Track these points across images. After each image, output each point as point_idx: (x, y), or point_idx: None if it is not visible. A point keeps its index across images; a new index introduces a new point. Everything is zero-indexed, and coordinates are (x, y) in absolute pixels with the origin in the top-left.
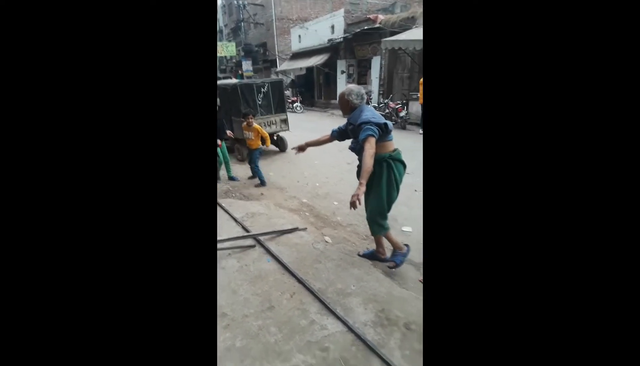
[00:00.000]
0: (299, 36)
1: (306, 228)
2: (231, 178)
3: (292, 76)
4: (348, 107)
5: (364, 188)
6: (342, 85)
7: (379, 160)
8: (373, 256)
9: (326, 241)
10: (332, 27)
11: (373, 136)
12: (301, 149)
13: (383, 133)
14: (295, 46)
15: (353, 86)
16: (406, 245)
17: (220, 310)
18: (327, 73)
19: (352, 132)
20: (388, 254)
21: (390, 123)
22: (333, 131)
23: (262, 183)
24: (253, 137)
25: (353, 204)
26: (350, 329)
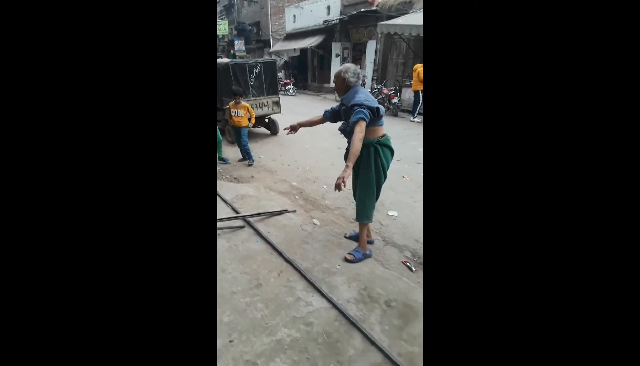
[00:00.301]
0: (294, 16)
1: (295, 211)
2: (222, 160)
3: (285, 58)
4: (344, 86)
5: (349, 171)
6: (337, 68)
7: (366, 145)
8: (358, 238)
9: (314, 223)
10: (328, 7)
11: (364, 119)
12: (293, 129)
13: (374, 117)
14: (290, 26)
15: (350, 65)
16: (370, 250)
17: None
18: (322, 56)
19: (343, 114)
20: (373, 236)
21: (382, 108)
22: (326, 112)
23: (251, 161)
24: (242, 115)
25: (338, 187)
26: (334, 305)
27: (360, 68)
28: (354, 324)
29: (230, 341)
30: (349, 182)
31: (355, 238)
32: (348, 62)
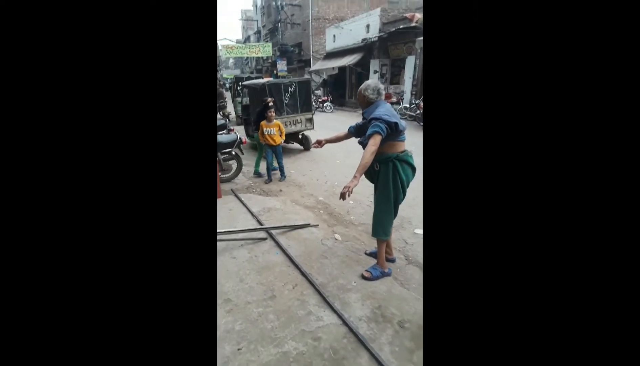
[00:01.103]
0: (334, 36)
1: (317, 225)
2: (257, 174)
3: (324, 76)
4: (365, 102)
5: (356, 182)
6: None
7: (385, 160)
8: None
9: (335, 238)
10: (368, 26)
11: (380, 133)
12: (319, 143)
13: (392, 132)
14: (330, 46)
15: (370, 81)
16: (389, 268)
17: (225, 296)
18: (360, 73)
19: (363, 127)
20: (395, 254)
21: (403, 123)
22: (350, 127)
23: (269, 179)
24: (275, 133)
25: (342, 195)
26: (345, 322)
27: (398, 83)
28: (362, 343)
29: (238, 349)
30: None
31: (375, 254)
32: (386, 78)
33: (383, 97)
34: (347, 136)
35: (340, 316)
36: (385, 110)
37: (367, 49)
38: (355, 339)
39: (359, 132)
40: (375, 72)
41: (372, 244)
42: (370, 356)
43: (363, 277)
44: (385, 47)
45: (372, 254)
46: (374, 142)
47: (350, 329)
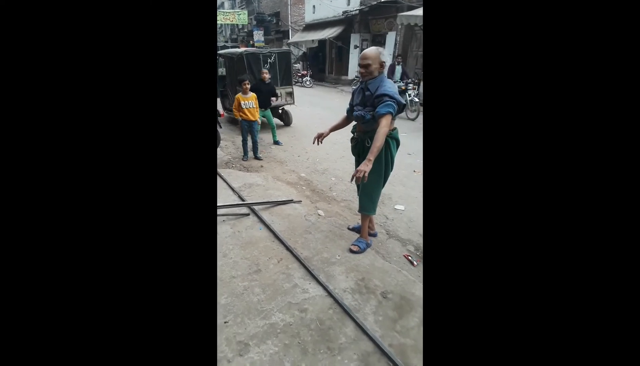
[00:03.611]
0: (314, 7)
1: (300, 201)
2: (276, 142)
3: (303, 49)
4: (369, 71)
5: (371, 164)
6: (355, 61)
7: None
8: (360, 230)
9: (319, 214)
10: None
11: (392, 113)
12: (320, 137)
13: (398, 112)
14: (309, 17)
15: (376, 49)
16: (370, 240)
17: None
18: (340, 47)
19: (364, 99)
20: (377, 229)
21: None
22: (347, 111)
23: (246, 157)
24: (254, 106)
25: (357, 179)
26: (330, 294)
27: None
28: (347, 313)
29: (225, 322)
30: (328, 179)
31: (358, 230)
32: None
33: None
34: (347, 121)
35: (325, 288)
36: (392, 85)
37: (347, 22)
38: (341, 309)
39: (352, 110)
40: (355, 47)
41: (354, 220)
42: (356, 326)
43: (351, 251)
44: (366, 21)
45: (355, 229)
46: (387, 123)
47: (336, 300)
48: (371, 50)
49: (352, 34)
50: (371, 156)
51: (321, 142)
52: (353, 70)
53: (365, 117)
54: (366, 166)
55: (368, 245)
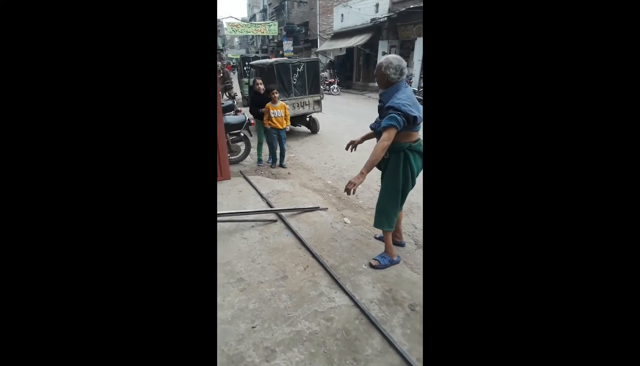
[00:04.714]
0: (342, 15)
1: (327, 208)
2: (260, 162)
3: (331, 57)
4: (384, 81)
5: (363, 179)
6: None
7: (397, 149)
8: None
9: (345, 222)
10: (377, 5)
11: (395, 127)
12: (353, 144)
13: (409, 125)
14: (337, 26)
15: (393, 57)
16: (398, 256)
17: (238, 275)
18: (368, 54)
19: (379, 110)
20: (405, 238)
21: (421, 114)
22: (371, 125)
23: (273, 164)
24: (282, 115)
25: (348, 191)
26: (356, 304)
27: (407, 66)
28: (374, 324)
29: (252, 327)
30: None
31: (383, 239)
32: None
33: (405, 78)
34: (372, 134)
35: (351, 298)
36: (406, 97)
37: (375, 30)
38: (367, 320)
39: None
40: (383, 53)
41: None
42: (382, 338)
43: (371, 266)
44: (394, 28)
45: (381, 239)
46: (388, 137)
47: (362, 310)
48: (381, 60)
49: (380, 41)
50: (364, 169)
51: (354, 150)
52: None
53: (377, 129)
54: (357, 179)
55: (392, 262)
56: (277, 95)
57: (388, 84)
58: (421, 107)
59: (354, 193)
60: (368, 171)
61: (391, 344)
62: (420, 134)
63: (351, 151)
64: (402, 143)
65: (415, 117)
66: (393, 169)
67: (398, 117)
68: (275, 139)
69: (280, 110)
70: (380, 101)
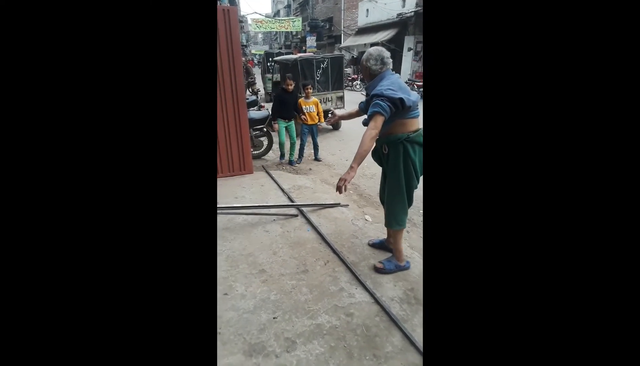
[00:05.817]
0: (367, 10)
1: (348, 205)
2: (290, 162)
3: (354, 53)
4: (368, 74)
5: (353, 174)
6: (408, 64)
7: (394, 142)
8: (382, 246)
9: (366, 219)
10: (404, 0)
11: (380, 113)
12: (333, 116)
13: (399, 110)
14: (362, 21)
15: (373, 49)
16: (408, 261)
17: (260, 267)
18: (393, 50)
19: (365, 105)
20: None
21: (414, 96)
22: (360, 103)
23: (300, 160)
24: (314, 110)
25: (339, 189)
26: (377, 301)
27: None
28: (395, 322)
29: (274, 318)
30: (377, 184)
31: (379, 245)
32: (420, 56)
33: (390, 67)
34: (357, 113)
35: (372, 295)
36: (389, 83)
37: (402, 25)
38: (388, 318)
39: (366, 109)
40: (409, 49)
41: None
42: (403, 336)
43: (375, 269)
44: (421, 23)
45: (375, 246)
46: (375, 125)
47: (383, 308)
48: (363, 56)
49: (406, 37)
50: (354, 163)
51: (332, 123)
52: (405, 73)
53: (364, 116)
54: (347, 174)
55: (398, 267)
56: (310, 91)
57: (372, 76)
58: (414, 92)
59: (345, 190)
60: (358, 165)
61: (412, 342)
62: (419, 123)
63: (330, 126)
64: (398, 134)
65: (401, 99)
66: (393, 164)
67: (382, 103)
68: (307, 133)
69: (312, 105)
70: (366, 95)
